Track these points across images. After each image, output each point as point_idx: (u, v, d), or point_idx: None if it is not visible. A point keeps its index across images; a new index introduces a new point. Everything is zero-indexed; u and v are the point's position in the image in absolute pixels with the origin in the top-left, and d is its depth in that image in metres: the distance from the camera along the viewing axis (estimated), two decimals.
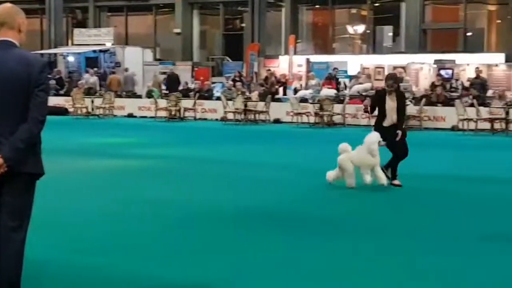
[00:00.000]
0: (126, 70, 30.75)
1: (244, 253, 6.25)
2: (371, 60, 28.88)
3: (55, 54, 34.43)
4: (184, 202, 8.79)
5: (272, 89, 26.82)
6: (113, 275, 5.47)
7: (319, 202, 9.08)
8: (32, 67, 4.07)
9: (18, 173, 4.06)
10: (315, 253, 6.28)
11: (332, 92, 25.13)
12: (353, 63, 28.28)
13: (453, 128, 21.48)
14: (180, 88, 28.22)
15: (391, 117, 10.07)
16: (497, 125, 20.98)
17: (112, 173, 11.51)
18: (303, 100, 24.75)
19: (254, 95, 25.36)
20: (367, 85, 25.30)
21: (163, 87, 28.97)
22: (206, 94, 27.07)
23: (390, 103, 10.01)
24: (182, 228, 7.32)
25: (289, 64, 28.31)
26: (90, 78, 30.19)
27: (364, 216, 8.15)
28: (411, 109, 21.68)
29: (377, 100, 10.39)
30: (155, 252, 6.21)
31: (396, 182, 9.98)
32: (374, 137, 9.78)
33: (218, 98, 26.05)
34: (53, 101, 29.08)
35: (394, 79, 10.35)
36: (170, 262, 5.89)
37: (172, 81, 29.19)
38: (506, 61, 26.94)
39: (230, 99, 24.82)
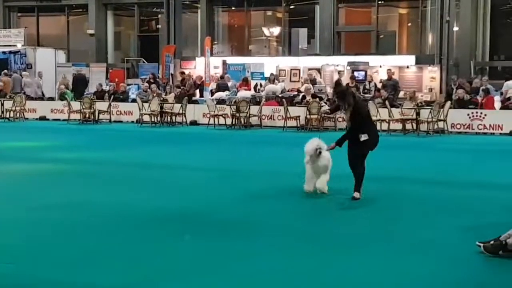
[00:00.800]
0: (14, 72, 29.96)
1: (158, 256, 6.14)
2: (287, 62, 29.15)
3: None
4: (97, 206, 8.59)
5: (190, 91, 26.70)
6: (25, 283, 5.27)
7: (234, 204, 9.04)
8: None
9: None
10: (229, 255, 6.25)
11: (248, 93, 25.25)
12: (269, 65, 28.46)
13: None
14: (94, 90, 27.69)
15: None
16: (408, 126, 21.59)
17: (22, 178, 11.12)
18: (220, 102, 24.74)
19: (170, 97, 25.15)
20: (281, 85, 25.55)
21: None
22: (121, 96, 26.65)
23: (344, 116, 9.58)
24: (94, 232, 7.13)
25: (205, 65, 28.22)
26: (28, 78, 29.05)
27: (279, 218, 8.17)
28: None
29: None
30: (69, 258, 6.02)
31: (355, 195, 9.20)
32: (311, 145, 9.39)
33: (134, 100, 25.71)
34: None
35: (343, 95, 9.23)
36: (83, 267, 5.72)
37: (78, 82, 28.59)
38: (417, 63, 27.74)
39: (145, 101, 24.52)
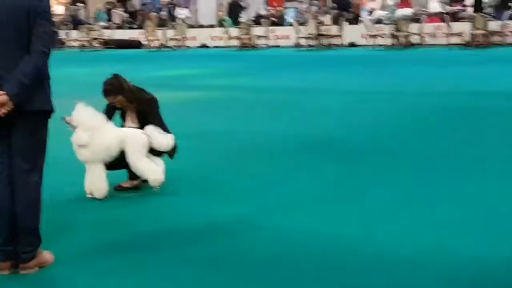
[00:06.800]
0: None
1: (290, 183, 5.94)
2: None
3: None
4: (238, 134, 8.53)
5: (356, 11, 25.96)
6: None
7: (376, 130, 8.55)
8: None
9: (26, 111, 3.78)
10: (367, 181, 5.90)
11: (409, 11, 24.05)
12: None
13: None
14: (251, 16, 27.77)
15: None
16: None
17: (174, 106, 11.24)
18: (378, 21, 23.85)
19: (327, 18, 24.58)
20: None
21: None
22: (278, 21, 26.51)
23: (132, 118, 6.01)
24: (234, 159, 7.06)
25: None
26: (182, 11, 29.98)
27: (421, 144, 7.64)
28: None
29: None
30: (208, 184, 5.97)
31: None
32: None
33: (291, 24, 25.46)
34: (127, 34, 29.35)
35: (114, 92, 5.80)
36: (225, 195, 5.64)
37: (233, 8, 28.71)
38: None
39: (302, 24, 24.16)
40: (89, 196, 5.57)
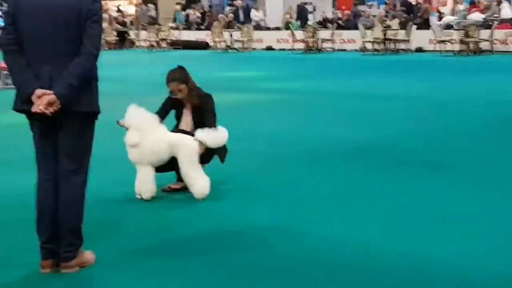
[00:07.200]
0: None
1: (331, 189, 5.83)
2: None
3: None
4: (290, 137, 8.44)
5: (424, 16, 25.44)
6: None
7: (430, 139, 8.28)
8: None
9: (73, 112, 3.83)
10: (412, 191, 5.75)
11: (479, 17, 23.42)
12: None
13: None
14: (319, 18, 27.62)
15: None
16: None
17: (230, 108, 11.22)
18: (448, 27, 23.32)
19: (394, 23, 24.21)
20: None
21: None
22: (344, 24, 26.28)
23: (187, 117, 6.07)
24: (283, 164, 6.98)
25: None
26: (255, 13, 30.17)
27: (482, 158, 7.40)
28: None
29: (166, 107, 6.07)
30: (252, 188, 5.93)
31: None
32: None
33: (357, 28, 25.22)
34: (194, 35, 29.70)
35: (179, 79, 5.92)
36: (268, 200, 5.59)
37: (303, 11, 28.57)
38: None
39: (368, 28, 23.87)
40: (138, 196, 5.61)
